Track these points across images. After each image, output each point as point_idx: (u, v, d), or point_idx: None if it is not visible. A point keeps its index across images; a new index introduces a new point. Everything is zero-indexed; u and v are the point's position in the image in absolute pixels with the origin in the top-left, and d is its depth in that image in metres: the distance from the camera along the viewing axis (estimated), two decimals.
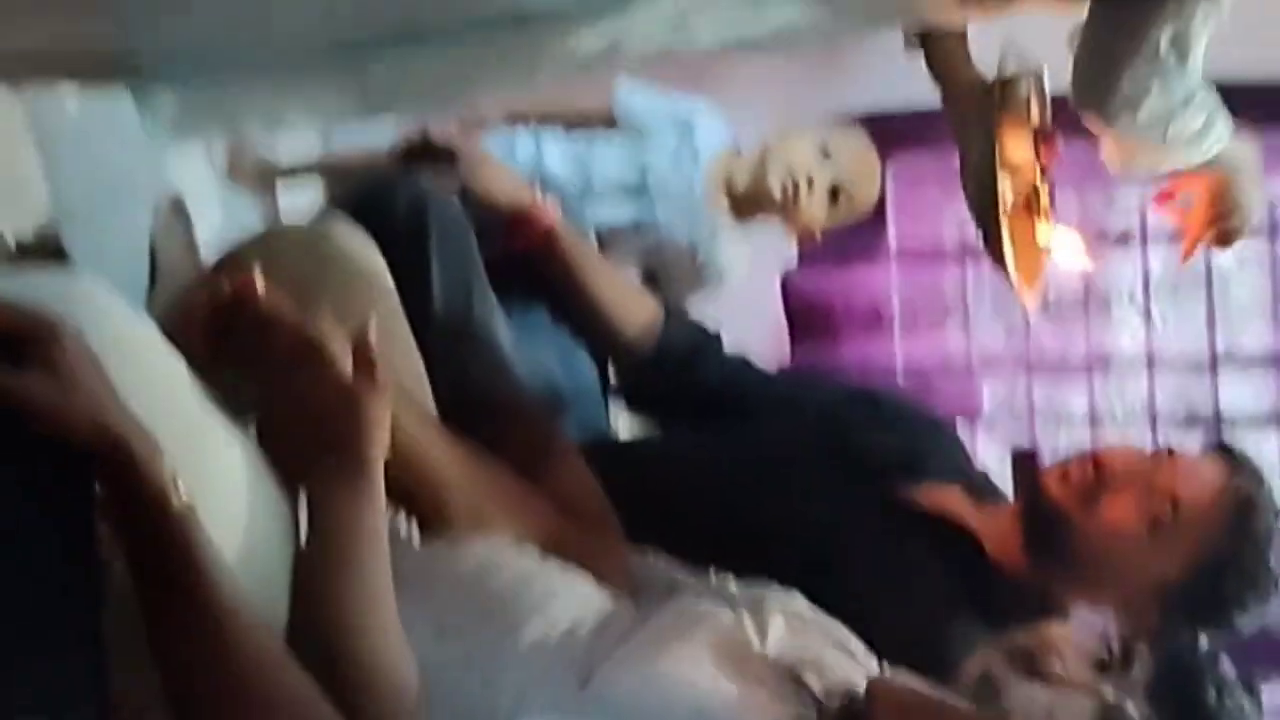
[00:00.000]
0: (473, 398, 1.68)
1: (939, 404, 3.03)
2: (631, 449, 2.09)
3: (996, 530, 1.85)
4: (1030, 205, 1.91)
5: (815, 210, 2.65)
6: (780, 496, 1.84)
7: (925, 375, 3.13)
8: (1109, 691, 1.25)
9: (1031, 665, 1.28)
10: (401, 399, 1.50)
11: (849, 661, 1.45)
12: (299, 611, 1.17)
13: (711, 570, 1.58)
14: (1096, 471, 1.82)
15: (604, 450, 1.96)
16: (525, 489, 1.58)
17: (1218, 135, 1.73)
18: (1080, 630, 1.35)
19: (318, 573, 1.18)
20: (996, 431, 3.13)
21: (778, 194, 2.63)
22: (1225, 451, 1.88)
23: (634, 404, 2.15)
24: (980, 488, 1.96)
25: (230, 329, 1.23)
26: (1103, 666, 1.29)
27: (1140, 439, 3.24)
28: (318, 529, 1.20)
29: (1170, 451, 1.87)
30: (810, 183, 2.62)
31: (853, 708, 1.29)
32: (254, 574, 1.15)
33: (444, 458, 1.51)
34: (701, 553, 1.72)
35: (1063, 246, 1.98)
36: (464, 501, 1.51)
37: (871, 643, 1.57)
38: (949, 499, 1.89)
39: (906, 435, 1.99)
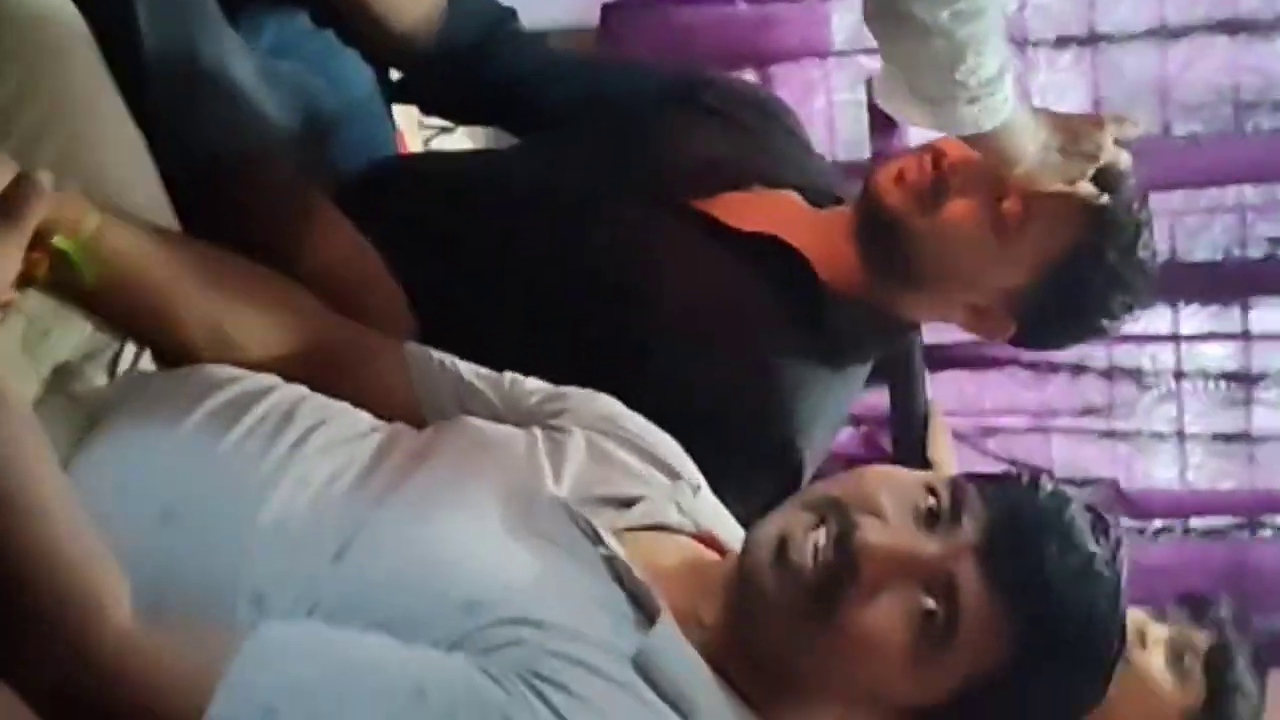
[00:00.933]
0: (208, 163, 1.41)
1: (783, 40, 2.78)
2: (414, 169, 1.82)
3: (829, 243, 1.63)
4: None
5: None
6: (578, 230, 1.60)
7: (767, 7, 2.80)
8: None
9: (846, 517, 1.08)
10: (108, 205, 1.24)
11: (659, 479, 1.26)
12: None
13: (508, 374, 1.36)
14: (935, 168, 1.59)
15: (381, 176, 1.71)
16: (276, 291, 1.34)
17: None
18: (902, 475, 1.15)
19: None
20: (849, 70, 2.83)
21: None
22: None
23: (427, 110, 1.88)
24: (818, 188, 1.73)
25: None
26: (930, 519, 1.09)
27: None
28: None
29: None
30: None
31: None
32: None
33: (168, 272, 1.26)
34: (494, 311, 1.54)
35: None
36: (200, 322, 1.28)
37: (700, 417, 1.40)
38: (774, 211, 1.66)
39: (731, 135, 1.74)
